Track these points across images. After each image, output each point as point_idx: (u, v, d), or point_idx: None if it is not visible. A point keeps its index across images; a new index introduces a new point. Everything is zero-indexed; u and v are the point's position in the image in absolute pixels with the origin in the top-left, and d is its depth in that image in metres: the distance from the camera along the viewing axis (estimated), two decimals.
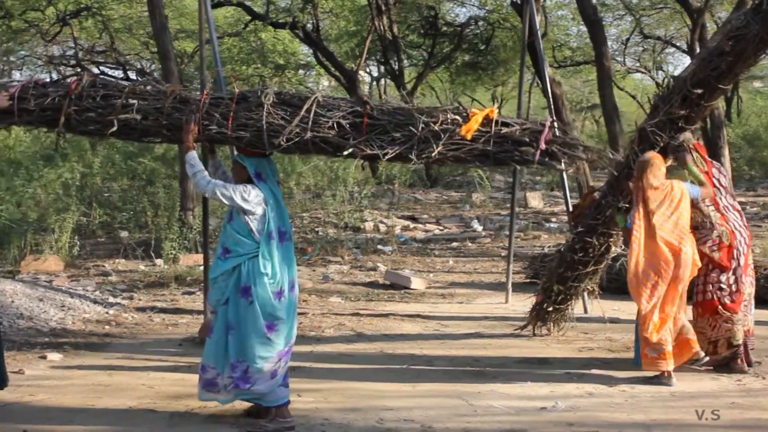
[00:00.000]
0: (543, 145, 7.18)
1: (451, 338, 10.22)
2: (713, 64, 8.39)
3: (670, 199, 8.37)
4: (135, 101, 7.80)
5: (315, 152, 7.61)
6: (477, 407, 7.63)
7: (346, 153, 7.31)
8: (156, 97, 7.83)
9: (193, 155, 7.23)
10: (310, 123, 7.31)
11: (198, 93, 7.84)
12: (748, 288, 8.77)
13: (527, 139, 7.24)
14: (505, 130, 7.28)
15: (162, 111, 7.71)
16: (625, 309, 11.47)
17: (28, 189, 17.11)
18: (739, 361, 8.60)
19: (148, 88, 7.91)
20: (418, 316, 11.57)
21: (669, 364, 8.25)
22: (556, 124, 7.57)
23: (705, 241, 8.58)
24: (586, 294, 10.80)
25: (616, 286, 12.48)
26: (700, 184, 8.67)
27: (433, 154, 7.24)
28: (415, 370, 8.93)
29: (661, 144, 8.87)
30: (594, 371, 8.74)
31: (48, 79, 8.22)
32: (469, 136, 7.22)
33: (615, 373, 8.66)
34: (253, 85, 32.68)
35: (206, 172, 7.15)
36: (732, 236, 8.61)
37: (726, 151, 22.70)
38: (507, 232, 14.71)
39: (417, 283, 13.42)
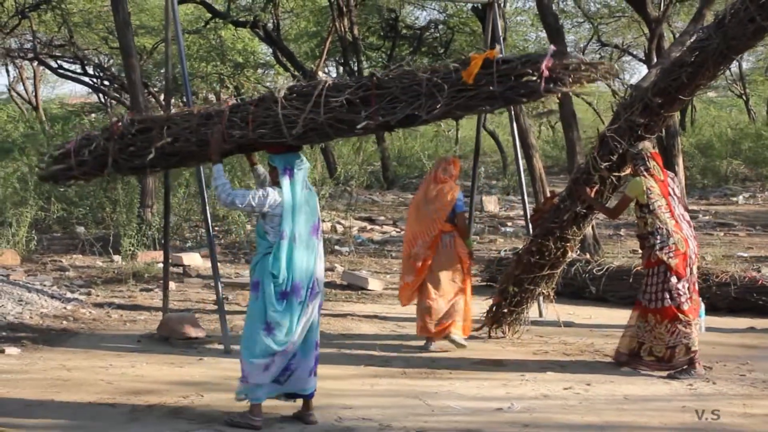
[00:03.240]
0: (546, 73, 7.06)
1: (408, 339, 10.30)
2: (674, 74, 8.60)
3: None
4: (167, 127, 8.19)
5: (334, 134, 7.65)
6: (434, 407, 7.71)
7: (360, 126, 7.37)
8: (185, 119, 8.13)
9: (219, 168, 7.35)
10: (322, 107, 7.40)
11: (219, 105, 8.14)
12: (697, 296, 8.95)
13: (530, 71, 7.14)
14: (505, 67, 7.18)
15: (190, 129, 7.99)
16: (579, 313, 11.67)
17: None
18: (697, 365, 8.76)
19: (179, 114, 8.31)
20: (376, 316, 11.66)
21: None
22: (556, 50, 7.40)
23: (662, 248, 8.72)
24: (541, 298, 10.94)
25: (571, 290, 12.66)
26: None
27: (438, 106, 7.22)
28: (373, 369, 9.02)
29: (620, 151, 9.05)
30: (549, 374, 8.86)
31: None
32: (471, 81, 7.18)
33: (570, 375, 8.79)
34: (211, 84, 32.71)
35: (228, 185, 7.22)
36: (686, 244, 8.77)
37: (680, 160, 22.86)
38: None
39: (374, 284, 13.50)
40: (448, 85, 7.23)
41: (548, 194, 11.85)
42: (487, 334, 10.49)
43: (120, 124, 8.52)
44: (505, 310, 10.35)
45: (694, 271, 8.87)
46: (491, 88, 7.16)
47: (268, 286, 7.05)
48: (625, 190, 9.13)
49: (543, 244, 9.82)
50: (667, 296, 8.75)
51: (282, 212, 7.06)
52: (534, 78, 7.10)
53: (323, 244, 7.53)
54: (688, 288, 8.79)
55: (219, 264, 10.35)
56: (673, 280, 8.73)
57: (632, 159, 8.98)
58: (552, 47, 7.34)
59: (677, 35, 26.54)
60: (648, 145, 8.98)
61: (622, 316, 10.98)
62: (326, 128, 7.45)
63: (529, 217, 11.65)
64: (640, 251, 9.48)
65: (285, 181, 7.13)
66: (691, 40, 9.40)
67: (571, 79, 7.14)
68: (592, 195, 9.34)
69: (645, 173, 8.88)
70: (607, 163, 9.21)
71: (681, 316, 8.72)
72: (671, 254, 8.70)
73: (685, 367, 8.77)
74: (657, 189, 8.84)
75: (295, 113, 7.47)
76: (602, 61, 7.76)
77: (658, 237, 8.76)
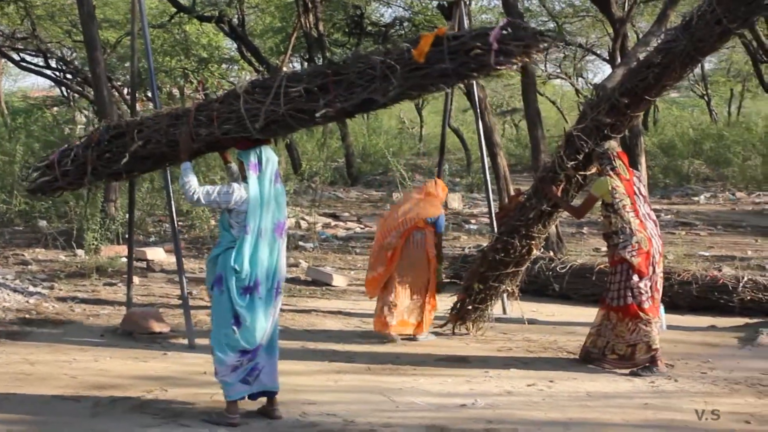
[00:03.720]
0: (495, 45, 6.91)
1: (372, 335, 10.30)
2: (641, 75, 8.71)
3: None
4: (139, 131, 8.23)
5: (296, 125, 7.58)
6: (398, 403, 7.73)
7: (319, 114, 7.31)
8: (155, 121, 8.16)
9: (186, 166, 7.38)
10: (282, 98, 7.38)
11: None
12: (659, 294, 9.03)
13: (479, 44, 7.00)
14: (456, 42, 7.06)
15: (160, 131, 8.01)
16: (543, 310, 11.73)
17: None
18: (659, 362, 8.83)
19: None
20: (340, 312, 11.67)
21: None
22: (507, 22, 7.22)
23: (625, 246, 8.79)
24: (505, 296, 10.99)
25: (534, 288, 12.72)
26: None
27: (391, 88, 7.14)
28: (337, 365, 9.03)
29: (587, 150, 9.12)
30: (512, 371, 8.90)
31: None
32: (422, 59, 7.09)
33: (533, 372, 8.83)
34: (175, 78, 32.59)
35: (194, 183, 7.23)
36: (649, 243, 8.84)
37: (643, 159, 23.02)
38: None
39: (338, 280, 13.51)
40: (401, 65, 7.14)
41: (512, 192, 11.91)
42: (451, 330, 10.52)
43: (98, 131, 8.60)
44: (470, 307, 10.39)
45: (657, 270, 8.93)
46: (443, 65, 7.08)
47: (230, 281, 7.05)
48: (590, 189, 9.19)
49: (508, 241, 9.88)
50: (629, 294, 8.81)
51: (248, 207, 7.06)
52: (484, 52, 6.98)
53: (287, 240, 7.52)
54: (650, 287, 8.86)
55: (183, 259, 10.32)
56: (635, 278, 8.79)
57: (598, 158, 9.05)
58: (503, 20, 7.25)
59: (641, 35, 26.73)
60: (614, 145, 9.05)
61: (584, 313, 11.12)
62: (288, 119, 7.41)
63: (494, 214, 11.72)
64: (603, 249, 9.55)
65: (252, 176, 7.13)
66: (659, 40, 9.48)
67: (521, 51, 6.99)
68: (558, 193, 9.40)
69: (611, 172, 8.94)
70: (573, 162, 9.28)
71: (641, 314, 8.79)
72: (634, 253, 8.77)
73: (647, 364, 8.85)
74: (622, 188, 8.90)
75: (257, 106, 7.46)
76: (550, 31, 7.66)
77: (622, 236, 8.83)
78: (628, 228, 8.82)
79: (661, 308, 9.48)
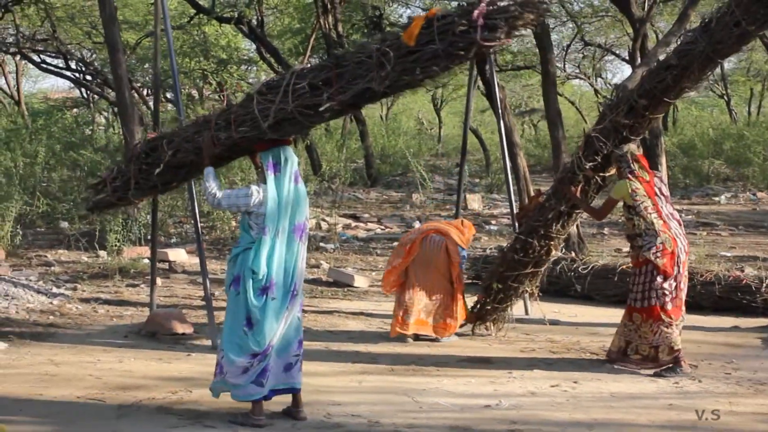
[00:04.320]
0: (480, 21, 6.80)
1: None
2: (660, 76, 8.71)
3: None
4: (170, 141, 8.41)
5: (307, 122, 7.55)
6: (422, 404, 7.74)
7: (322, 109, 7.32)
8: (184, 130, 8.36)
9: (209, 170, 7.43)
10: (290, 95, 7.39)
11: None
12: (684, 294, 9.00)
13: (465, 22, 6.89)
14: (443, 22, 6.96)
15: (187, 139, 8.15)
16: (565, 311, 11.72)
17: None
18: (683, 363, 8.82)
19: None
20: (362, 313, 11.68)
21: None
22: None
23: (649, 248, 8.78)
24: (527, 296, 10.99)
25: (556, 288, 12.73)
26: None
27: (384, 74, 7.10)
28: (361, 366, 9.04)
29: (605, 151, 9.12)
30: (536, 372, 8.90)
31: None
32: (413, 42, 7.02)
33: (557, 373, 8.83)
34: (194, 80, 32.65)
35: (216, 187, 7.29)
36: (674, 243, 8.82)
37: (663, 160, 23.01)
38: None
39: (360, 281, 13.53)
40: (394, 51, 7.11)
41: (532, 193, 11.91)
42: (471, 330, 10.52)
43: (139, 144, 8.79)
44: (489, 307, 10.41)
45: (682, 270, 8.91)
46: (433, 46, 6.98)
47: (248, 282, 7.06)
48: (611, 192, 9.19)
49: (527, 241, 9.89)
50: (653, 296, 8.81)
51: (266, 209, 7.07)
52: (470, 29, 6.87)
53: (308, 242, 7.52)
54: (675, 287, 8.84)
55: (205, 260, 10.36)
56: (659, 279, 8.79)
57: (617, 161, 9.07)
58: None
59: (661, 35, 26.68)
60: (633, 147, 9.07)
61: (607, 314, 11.12)
62: (297, 116, 7.41)
63: (514, 214, 11.73)
64: (625, 250, 9.54)
65: (270, 177, 7.13)
66: (679, 41, 9.48)
67: (506, 24, 6.86)
68: (578, 194, 9.40)
69: (630, 175, 8.95)
70: (591, 163, 9.28)
71: (663, 316, 8.79)
72: (659, 254, 8.76)
73: (671, 365, 8.84)
74: (642, 190, 8.90)
75: (269, 106, 7.49)
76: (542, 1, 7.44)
77: (646, 237, 8.82)
78: (652, 229, 8.81)
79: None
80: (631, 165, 8.98)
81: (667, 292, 8.80)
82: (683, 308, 9.01)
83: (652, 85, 8.80)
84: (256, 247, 7.06)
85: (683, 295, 8.98)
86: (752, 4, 8.04)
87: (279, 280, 7.11)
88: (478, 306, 10.44)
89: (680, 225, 9.10)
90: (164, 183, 8.70)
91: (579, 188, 9.44)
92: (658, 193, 9.04)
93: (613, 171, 9.29)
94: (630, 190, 8.88)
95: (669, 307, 8.81)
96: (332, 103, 7.30)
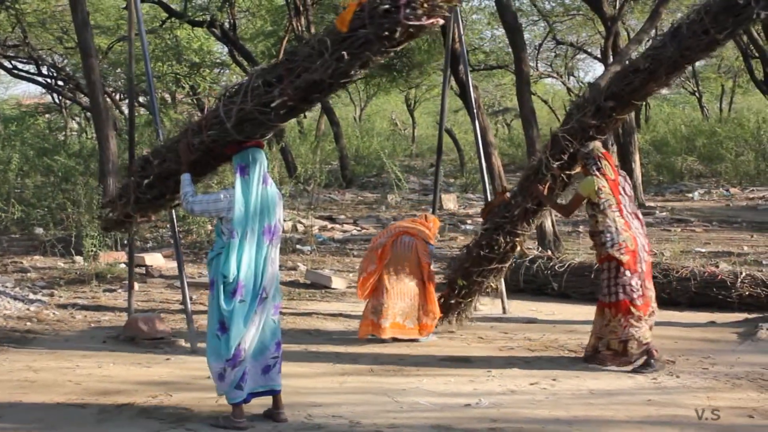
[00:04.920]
0: (403, 0, 6.90)
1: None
2: (628, 79, 8.95)
3: None
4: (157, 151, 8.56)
5: (266, 120, 7.51)
6: (402, 404, 7.76)
7: (274, 105, 7.35)
8: (168, 140, 8.53)
9: (185, 177, 7.48)
10: (249, 94, 7.44)
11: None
12: (651, 292, 9.10)
13: (388, 2, 6.97)
14: (372, 7, 7.01)
15: (171, 149, 8.21)
16: (542, 309, 11.76)
17: None
18: (653, 352, 8.94)
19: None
20: (340, 314, 11.68)
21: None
22: None
23: (612, 245, 8.92)
24: (493, 292, 11.06)
25: (533, 287, 12.79)
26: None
27: (320, 62, 7.13)
28: (341, 367, 9.05)
29: (572, 150, 9.24)
30: (515, 370, 8.94)
31: None
32: (345, 28, 7.08)
33: (536, 371, 8.86)
34: (167, 84, 32.58)
35: (191, 193, 7.35)
36: (635, 242, 8.94)
37: (637, 157, 23.24)
38: None
39: (337, 283, 13.54)
40: (331, 39, 7.16)
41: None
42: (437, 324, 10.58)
43: (137, 160, 8.94)
44: (453, 302, 10.59)
45: (644, 267, 9.00)
46: (364, 30, 7.04)
47: (219, 285, 7.09)
48: (577, 188, 9.28)
49: (493, 238, 10.08)
50: (620, 291, 8.92)
51: (233, 213, 7.09)
52: (393, 9, 6.94)
53: (283, 244, 7.52)
54: (640, 285, 8.94)
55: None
56: (627, 275, 8.90)
57: (583, 159, 9.19)
58: None
59: (632, 33, 26.83)
60: (598, 145, 9.21)
61: (584, 312, 11.18)
62: (257, 115, 7.44)
63: (479, 211, 11.84)
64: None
65: (238, 180, 7.17)
66: (651, 39, 9.61)
67: (428, 3, 6.95)
68: (545, 192, 9.52)
69: (597, 173, 9.05)
70: (558, 162, 9.39)
71: (633, 309, 8.88)
72: (622, 251, 8.89)
73: (644, 358, 8.91)
74: (608, 188, 9.02)
75: (232, 107, 7.54)
76: None
77: (608, 234, 8.95)
78: (614, 227, 8.93)
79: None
80: (598, 162, 9.09)
81: (635, 288, 8.90)
82: (652, 305, 9.08)
83: (620, 87, 8.99)
84: (226, 251, 7.08)
85: (651, 293, 9.07)
86: (721, 13, 8.20)
87: (248, 283, 7.10)
88: (442, 300, 10.51)
89: (642, 225, 9.21)
90: (157, 196, 8.64)
91: (546, 186, 9.55)
92: (622, 192, 9.15)
93: (578, 169, 9.40)
94: (596, 188, 8.98)
95: (639, 303, 8.91)
96: (284, 98, 7.34)
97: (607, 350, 9.06)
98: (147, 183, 8.39)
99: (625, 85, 8.91)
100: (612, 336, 8.99)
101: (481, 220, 10.78)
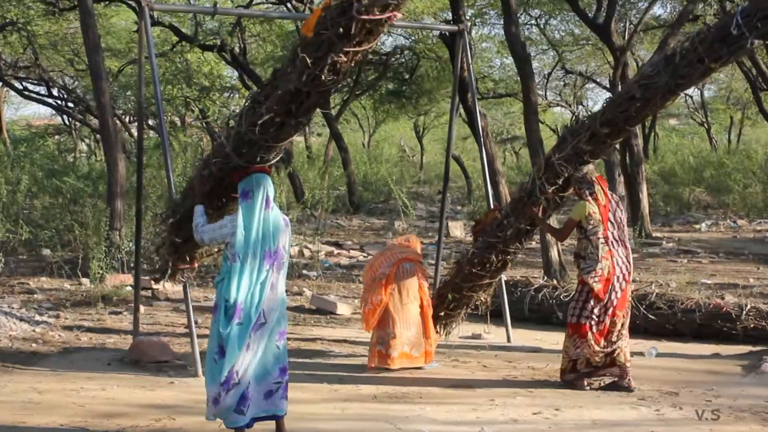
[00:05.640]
0: None
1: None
2: (622, 107, 9.05)
3: None
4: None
5: (262, 141, 7.60)
6: (405, 431, 7.76)
7: (261, 122, 7.45)
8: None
9: (198, 208, 7.64)
10: (244, 118, 7.60)
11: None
12: (620, 320, 9.27)
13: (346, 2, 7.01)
14: (334, 9, 7.06)
15: (190, 185, 8.57)
16: (547, 339, 11.74)
17: None
18: (630, 381, 9.25)
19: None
20: (345, 340, 11.69)
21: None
22: None
23: (589, 272, 9.14)
24: (508, 323, 11.09)
25: (538, 316, 12.77)
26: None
27: (291, 69, 7.27)
28: (344, 394, 9.07)
29: (566, 174, 9.34)
30: (518, 399, 8.94)
31: None
32: (310, 33, 7.14)
33: (539, 400, 8.87)
34: (177, 107, 32.70)
35: (201, 224, 7.49)
36: (612, 271, 9.11)
37: (644, 187, 23.23)
38: (432, 261, 14.93)
39: (343, 309, 13.54)
40: (301, 47, 7.24)
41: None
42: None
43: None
44: (442, 314, 10.71)
45: (617, 296, 9.20)
46: (326, 32, 7.08)
47: (221, 309, 7.11)
48: (571, 213, 9.38)
49: (485, 257, 10.21)
50: (584, 315, 9.19)
51: (234, 238, 7.11)
52: (348, 6, 6.99)
53: (288, 268, 7.52)
54: (603, 312, 9.19)
55: (188, 288, 10.36)
56: (592, 302, 9.15)
57: (577, 183, 9.37)
58: None
59: (641, 63, 26.89)
60: (591, 168, 9.46)
61: None
62: (251, 136, 7.55)
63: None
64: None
65: (240, 205, 7.21)
66: (641, 74, 9.70)
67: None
68: (539, 214, 9.63)
69: (589, 198, 9.22)
70: (553, 187, 9.57)
71: (589, 336, 9.16)
72: (596, 279, 9.12)
73: (615, 379, 9.25)
74: (598, 215, 9.21)
75: (231, 133, 7.73)
76: None
77: (588, 261, 9.18)
78: (596, 254, 9.14)
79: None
80: (591, 187, 9.26)
81: (594, 316, 9.17)
82: (623, 332, 9.29)
83: (615, 114, 9.11)
84: (229, 276, 7.10)
85: (619, 321, 9.27)
86: (716, 42, 8.29)
87: (246, 306, 7.08)
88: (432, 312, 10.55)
89: (628, 253, 9.37)
90: (187, 238, 8.72)
91: (540, 208, 9.69)
92: (611, 218, 9.29)
93: (571, 191, 9.54)
94: (587, 213, 9.12)
95: (595, 330, 9.19)
96: (270, 114, 7.44)
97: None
98: (171, 221, 8.52)
99: (621, 113, 9.02)
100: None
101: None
